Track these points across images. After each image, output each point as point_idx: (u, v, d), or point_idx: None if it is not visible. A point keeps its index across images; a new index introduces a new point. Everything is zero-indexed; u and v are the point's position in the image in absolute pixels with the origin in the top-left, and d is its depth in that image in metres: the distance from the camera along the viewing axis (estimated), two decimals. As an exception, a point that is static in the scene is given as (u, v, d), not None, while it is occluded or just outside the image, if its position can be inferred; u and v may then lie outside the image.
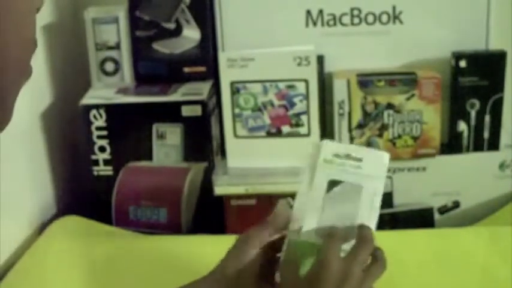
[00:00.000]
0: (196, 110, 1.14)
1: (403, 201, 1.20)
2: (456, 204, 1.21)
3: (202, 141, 1.16)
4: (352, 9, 1.16)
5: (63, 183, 1.26)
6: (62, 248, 1.08)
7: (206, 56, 1.20)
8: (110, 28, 1.20)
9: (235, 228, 1.13)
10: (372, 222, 0.72)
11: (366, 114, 1.16)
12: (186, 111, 1.14)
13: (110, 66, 1.22)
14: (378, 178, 0.73)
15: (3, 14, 0.46)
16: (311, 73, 1.13)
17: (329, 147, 0.77)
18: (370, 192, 0.73)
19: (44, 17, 1.22)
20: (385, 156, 0.75)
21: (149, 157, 1.17)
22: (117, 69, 1.22)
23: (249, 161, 1.17)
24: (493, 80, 1.15)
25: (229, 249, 0.75)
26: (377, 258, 0.71)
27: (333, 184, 0.75)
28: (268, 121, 1.16)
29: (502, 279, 0.95)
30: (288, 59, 1.12)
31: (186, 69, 1.20)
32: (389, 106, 1.16)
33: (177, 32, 1.20)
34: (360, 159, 0.75)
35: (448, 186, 1.20)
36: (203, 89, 1.17)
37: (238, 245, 0.74)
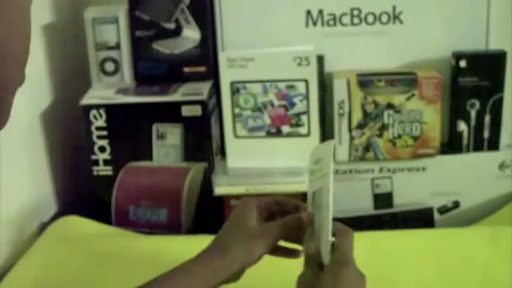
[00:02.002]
0: (196, 110, 1.14)
1: (403, 201, 1.20)
2: (456, 204, 1.21)
3: (202, 141, 1.16)
4: (352, 9, 1.16)
5: (63, 183, 1.26)
6: (62, 248, 1.08)
7: (206, 56, 1.20)
8: (110, 28, 1.20)
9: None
10: (327, 218, 0.73)
11: (366, 114, 1.16)
12: (186, 111, 1.14)
13: (110, 66, 1.22)
14: (328, 174, 0.74)
15: (6, 10, 0.46)
16: (311, 73, 1.13)
17: (312, 156, 0.79)
18: (325, 190, 0.74)
19: (44, 17, 1.22)
20: (330, 143, 0.77)
21: (149, 157, 1.17)
22: (117, 69, 1.22)
23: (249, 161, 1.17)
24: (493, 80, 1.15)
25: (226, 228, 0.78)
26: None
27: (314, 195, 0.77)
28: (268, 121, 1.16)
29: (502, 279, 0.95)
30: (288, 59, 1.12)
31: (186, 69, 1.20)
32: (389, 106, 1.16)
33: (177, 32, 1.20)
34: (320, 159, 0.76)
35: (448, 186, 1.20)
36: (203, 89, 1.17)
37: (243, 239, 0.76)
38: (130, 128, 1.17)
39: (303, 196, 1.13)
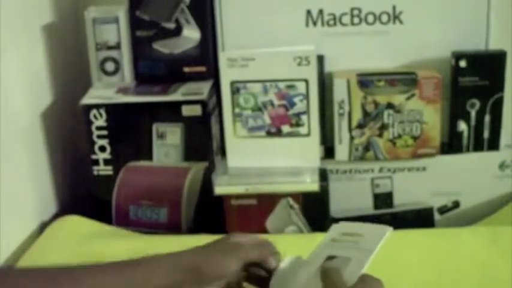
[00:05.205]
0: (196, 110, 1.14)
1: (403, 201, 1.20)
2: (456, 204, 1.21)
3: (202, 141, 1.16)
4: (352, 9, 1.16)
5: (63, 183, 1.26)
6: (62, 248, 1.08)
7: (206, 56, 1.20)
8: (110, 28, 1.20)
9: (235, 228, 1.13)
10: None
11: (366, 114, 1.16)
12: (186, 111, 1.14)
13: (110, 66, 1.22)
14: (369, 251, 0.73)
15: None
16: (311, 73, 1.13)
17: (339, 227, 0.78)
18: (356, 262, 0.73)
19: (44, 16, 1.22)
20: (386, 229, 0.74)
21: (149, 157, 1.17)
22: (117, 69, 1.22)
23: (249, 161, 1.17)
24: (493, 80, 1.15)
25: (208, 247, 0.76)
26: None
27: (329, 258, 0.75)
28: (268, 121, 1.16)
29: (502, 279, 0.95)
30: (288, 59, 1.12)
31: (186, 69, 1.21)
32: (389, 106, 1.16)
33: (177, 32, 1.20)
34: (360, 235, 0.75)
35: (448, 186, 1.20)
36: (203, 88, 1.17)
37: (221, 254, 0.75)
38: (130, 128, 1.17)
39: (303, 196, 1.13)
